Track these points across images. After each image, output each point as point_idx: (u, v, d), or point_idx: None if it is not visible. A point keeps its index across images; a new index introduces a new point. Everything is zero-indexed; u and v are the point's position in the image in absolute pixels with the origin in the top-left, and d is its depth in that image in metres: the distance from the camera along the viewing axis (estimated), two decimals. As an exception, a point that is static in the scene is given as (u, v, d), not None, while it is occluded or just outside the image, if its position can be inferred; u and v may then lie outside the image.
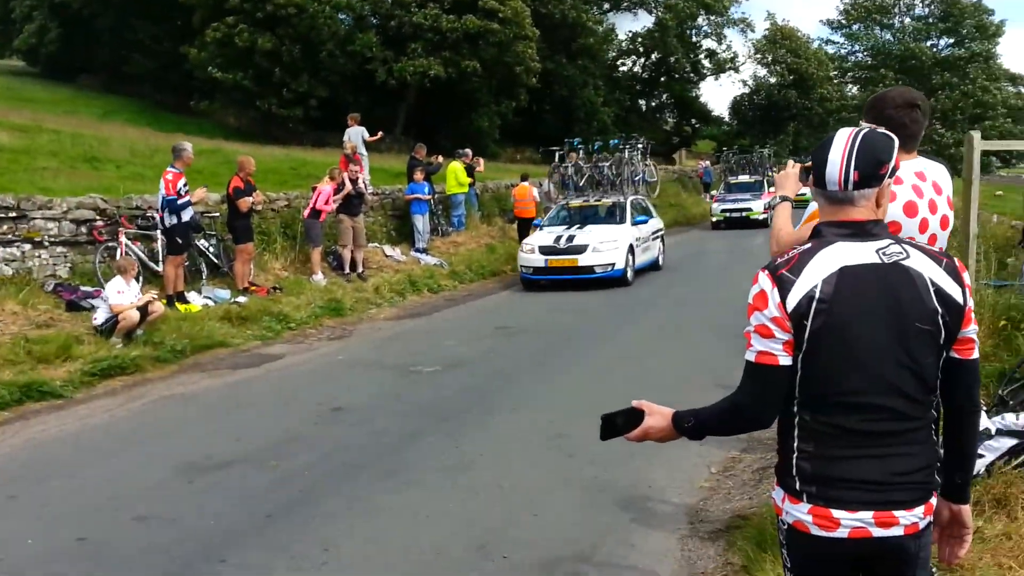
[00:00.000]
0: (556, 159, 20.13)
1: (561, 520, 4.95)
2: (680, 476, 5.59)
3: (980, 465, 4.15)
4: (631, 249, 14.96)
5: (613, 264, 14.41)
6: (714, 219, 28.10)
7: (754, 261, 13.11)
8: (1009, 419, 4.37)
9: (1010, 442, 4.21)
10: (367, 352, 10.05)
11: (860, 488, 1.99)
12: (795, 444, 2.06)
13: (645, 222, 16.24)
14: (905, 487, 2.01)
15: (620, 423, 2.29)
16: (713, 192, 31.96)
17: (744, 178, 31.27)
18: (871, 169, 2.03)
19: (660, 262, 17.08)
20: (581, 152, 20.75)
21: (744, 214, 27.46)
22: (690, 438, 2.23)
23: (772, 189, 27.60)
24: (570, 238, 14.82)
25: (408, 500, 5.32)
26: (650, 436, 2.26)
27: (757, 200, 28.12)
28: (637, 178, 19.56)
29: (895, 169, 2.08)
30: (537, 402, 7.55)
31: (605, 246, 14.49)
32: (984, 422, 4.34)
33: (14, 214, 10.42)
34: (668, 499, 5.26)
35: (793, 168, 3.12)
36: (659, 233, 17.36)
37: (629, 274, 14.83)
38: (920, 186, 2.86)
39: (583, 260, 14.38)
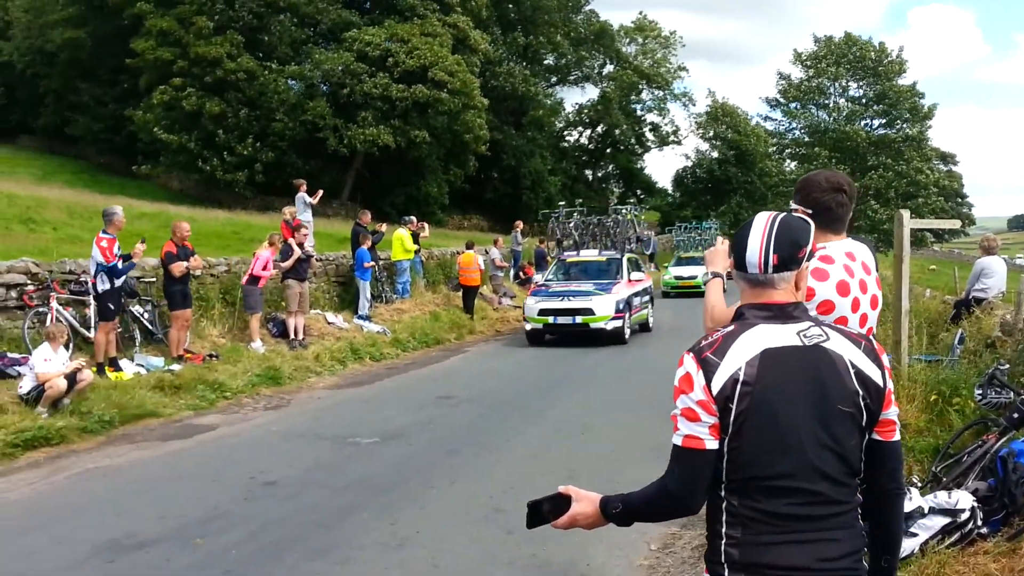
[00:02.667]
0: None
1: (496, 602, 4.81)
2: (619, 553, 5.49)
3: (914, 544, 4.15)
4: None
5: None
6: (528, 327, 16.48)
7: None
8: (941, 497, 4.38)
9: (943, 520, 4.22)
10: (304, 422, 9.81)
11: (789, 575, 1.96)
12: (723, 530, 2.03)
13: None
14: (833, 574, 1.98)
15: (546, 510, 2.24)
16: (528, 279, 22.48)
17: (591, 254, 19.49)
18: (789, 252, 2.07)
19: None
20: None
21: (580, 319, 15.96)
22: (618, 524, 2.18)
23: (636, 277, 17.23)
24: None
25: (338, 581, 5.12)
26: (578, 523, 2.21)
27: (606, 296, 16.27)
28: None
29: (812, 253, 2.13)
30: (477, 475, 7.41)
31: None
32: (918, 500, 4.36)
33: (-61, 277, 10.06)
34: (606, 578, 5.15)
35: (722, 245, 3.14)
36: None
37: None
38: (851, 266, 2.89)
39: None
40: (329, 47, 37.86)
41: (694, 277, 27.85)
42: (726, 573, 2.01)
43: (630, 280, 17.22)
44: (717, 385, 1.97)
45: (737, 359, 1.98)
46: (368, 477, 7.38)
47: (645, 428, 9.03)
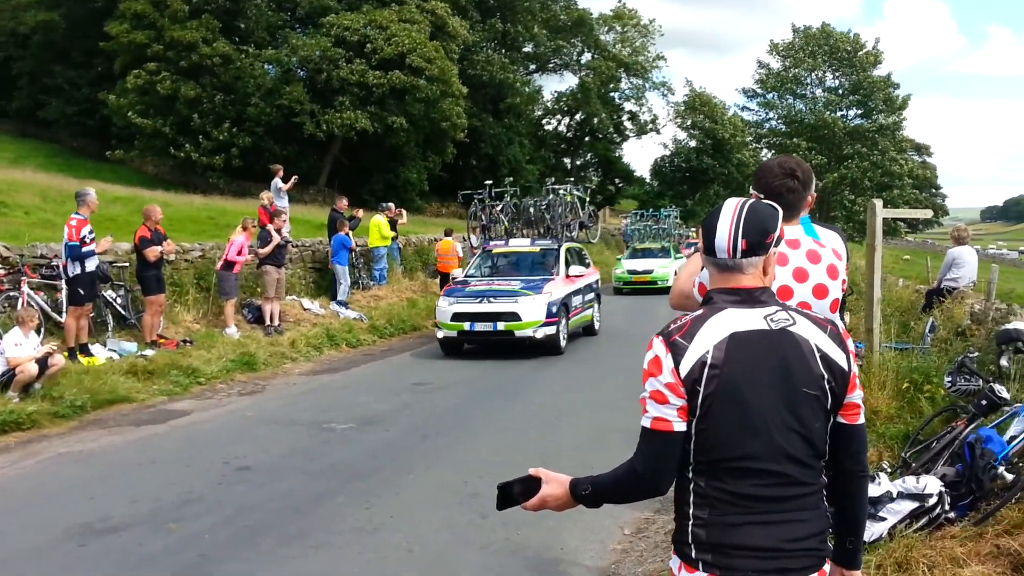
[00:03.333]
0: None
1: (470, 585, 4.83)
2: (592, 538, 5.53)
3: (882, 528, 4.21)
4: None
5: None
6: (440, 335, 13.54)
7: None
8: (910, 482, 4.44)
9: (911, 505, 4.28)
10: (279, 408, 9.77)
11: (754, 556, 1.98)
12: (690, 511, 2.06)
13: None
14: (798, 554, 2.01)
15: (516, 491, 2.26)
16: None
17: (521, 244, 15.88)
18: (757, 238, 2.08)
19: None
20: None
21: (502, 325, 13.08)
22: (587, 506, 2.21)
23: (576, 271, 14.54)
24: None
25: (313, 565, 5.12)
26: (548, 504, 2.23)
27: (536, 296, 13.23)
28: None
29: (780, 238, 2.15)
30: (452, 461, 7.42)
31: None
32: (886, 485, 4.42)
33: (-93, 260, 9.92)
34: (580, 562, 5.18)
35: None
36: None
37: None
38: (788, 254, 2.87)
39: None
40: (306, 32, 37.57)
41: (650, 271, 25.14)
42: (693, 553, 2.03)
43: (568, 276, 14.22)
44: (685, 368, 1.99)
45: (705, 342, 2.01)
46: (344, 463, 7.37)
47: (620, 414, 9.09)
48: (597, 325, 15.99)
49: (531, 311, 13.04)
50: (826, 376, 2.04)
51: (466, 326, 13.18)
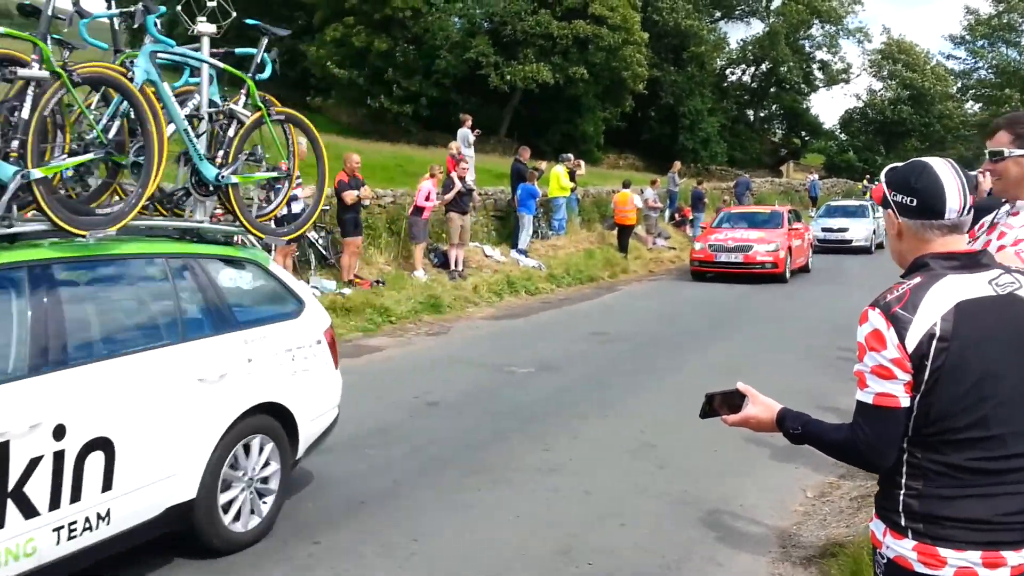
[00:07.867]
0: None
1: (647, 531, 4.94)
2: (772, 497, 5.49)
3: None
4: None
5: None
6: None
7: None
8: None
9: None
10: (463, 350, 10.20)
11: (968, 527, 1.96)
12: (903, 480, 2.03)
13: None
14: (1014, 527, 1.97)
15: (717, 403, 2.32)
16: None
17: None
18: (970, 195, 2.03)
19: None
20: None
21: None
22: (789, 441, 2.23)
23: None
24: None
25: (495, 498, 5.40)
26: (748, 424, 2.28)
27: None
28: None
29: None
30: (628, 410, 7.53)
31: None
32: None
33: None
34: (759, 520, 5.17)
35: None
36: None
37: None
38: None
39: None
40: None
41: None
42: (902, 522, 2.02)
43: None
44: (912, 342, 1.93)
45: (931, 314, 1.94)
46: (523, 405, 7.64)
47: (801, 375, 8.88)
48: None
49: None
50: None
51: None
